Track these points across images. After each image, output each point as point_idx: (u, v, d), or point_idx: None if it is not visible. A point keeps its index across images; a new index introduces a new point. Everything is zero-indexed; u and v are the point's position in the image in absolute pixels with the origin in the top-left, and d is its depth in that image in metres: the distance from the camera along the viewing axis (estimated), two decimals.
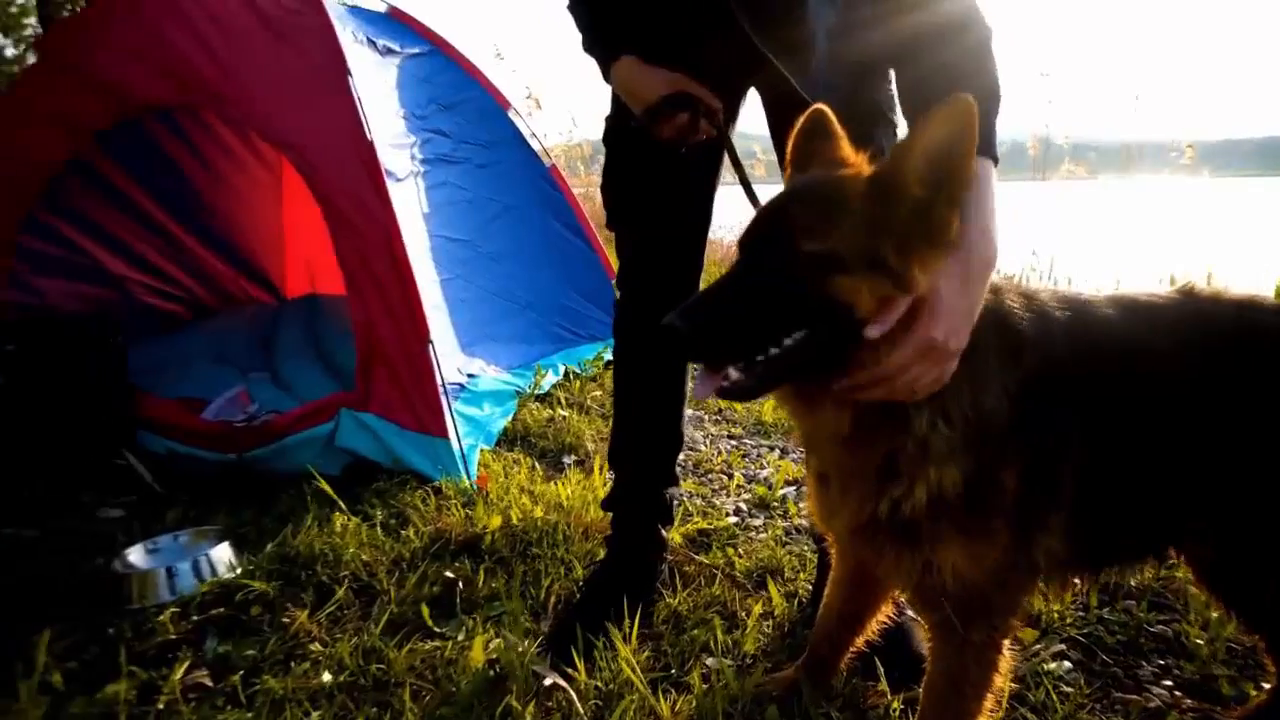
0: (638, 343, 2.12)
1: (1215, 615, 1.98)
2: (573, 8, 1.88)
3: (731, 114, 1.97)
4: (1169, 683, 1.86)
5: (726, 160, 1.98)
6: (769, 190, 1.40)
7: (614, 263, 4.70)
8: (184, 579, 2.16)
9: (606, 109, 2.03)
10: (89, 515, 2.65)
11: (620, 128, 1.98)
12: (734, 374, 1.16)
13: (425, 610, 1.99)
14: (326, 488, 2.54)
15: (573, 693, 1.68)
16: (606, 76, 1.86)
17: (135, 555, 2.30)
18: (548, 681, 1.70)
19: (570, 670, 1.76)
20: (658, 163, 1.90)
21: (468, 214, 4.11)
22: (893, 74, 1.80)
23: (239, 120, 3.43)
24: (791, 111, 1.44)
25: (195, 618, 2.02)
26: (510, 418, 3.59)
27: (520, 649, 1.76)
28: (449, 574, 2.15)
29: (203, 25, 3.29)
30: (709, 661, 1.87)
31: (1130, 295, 1.49)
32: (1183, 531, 1.54)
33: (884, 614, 1.74)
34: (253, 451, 2.95)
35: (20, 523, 2.62)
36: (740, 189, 1.76)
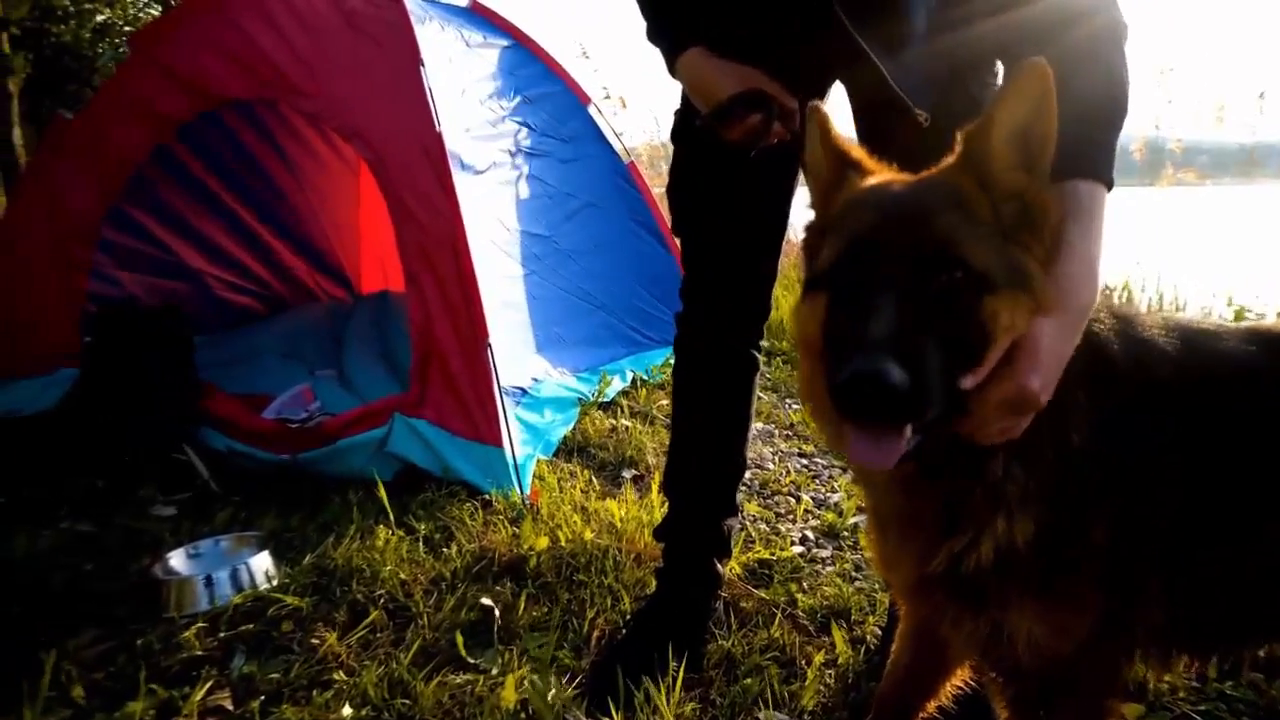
0: (700, 360, 1.94)
1: None
2: None
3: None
4: None
5: None
6: None
7: None
8: (222, 588, 2.10)
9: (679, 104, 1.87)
10: (143, 512, 2.63)
11: (688, 126, 1.81)
12: (908, 431, 0.94)
13: (460, 639, 1.86)
14: (382, 495, 2.45)
15: None
16: (672, 70, 1.69)
17: (177, 560, 2.25)
18: None
19: (604, 719, 1.60)
20: (728, 165, 1.72)
21: (549, 208, 4.04)
22: (1000, 70, 1.58)
23: (313, 112, 3.42)
24: (884, 115, 1.28)
25: (224, 634, 1.95)
26: (571, 426, 3.46)
27: (553, 692, 1.61)
28: (488, 600, 2.02)
29: (285, 21, 3.28)
30: (761, 716, 1.68)
31: (1266, 326, 1.24)
32: None
33: (959, 677, 1.52)
34: (306, 454, 2.90)
35: (80, 516, 2.62)
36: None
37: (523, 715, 1.62)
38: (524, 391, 3.38)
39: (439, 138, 3.06)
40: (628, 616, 2.02)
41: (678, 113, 1.87)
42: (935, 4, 1.49)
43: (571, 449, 3.31)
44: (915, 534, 1.16)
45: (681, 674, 1.71)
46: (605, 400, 3.74)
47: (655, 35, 1.68)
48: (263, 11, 3.32)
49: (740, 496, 2.78)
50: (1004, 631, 1.12)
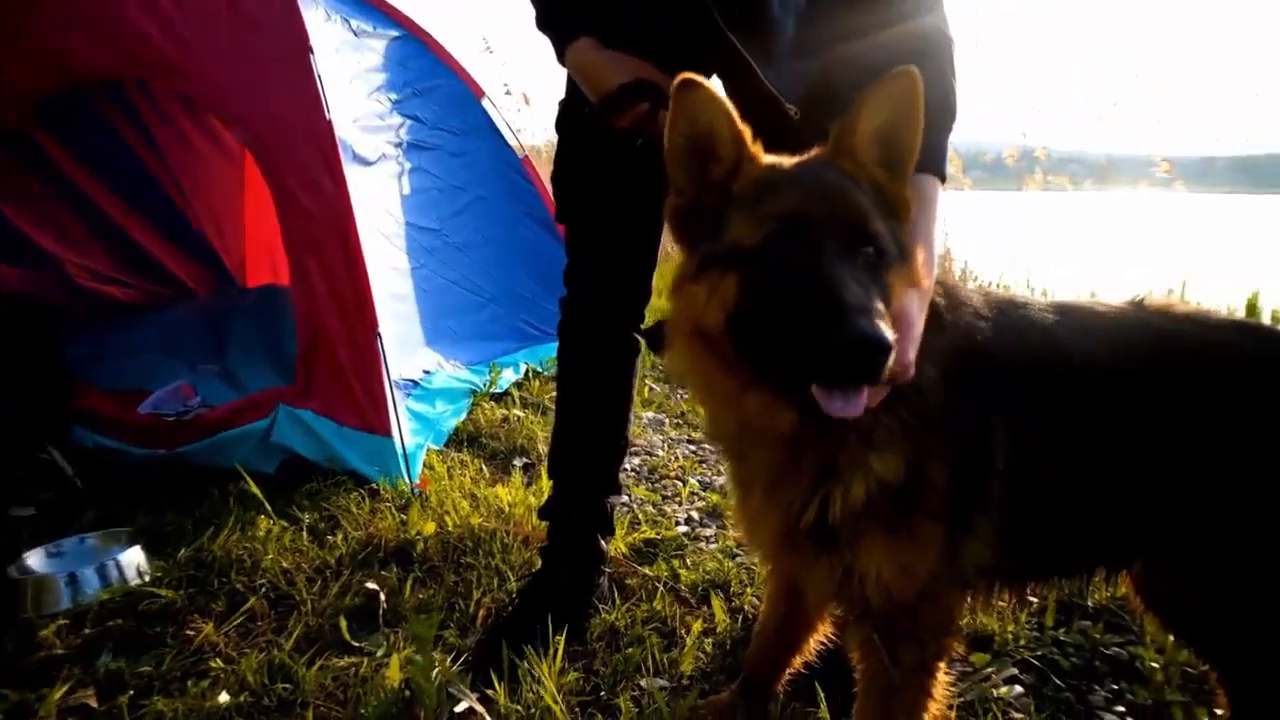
0: (584, 343, 2.00)
1: (1171, 639, 1.89)
2: None
3: None
4: (1122, 708, 1.77)
5: None
6: None
7: None
8: (87, 585, 2.02)
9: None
10: None
11: (574, 114, 1.86)
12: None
13: (344, 623, 1.86)
14: (254, 488, 2.39)
15: (488, 717, 1.56)
16: (561, 58, 1.73)
17: (35, 559, 2.15)
18: (462, 706, 1.57)
19: (491, 692, 1.64)
20: (611, 153, 1.78)
21: (439, 202, 4.02)
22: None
23: (194, 96, 3.29)
24: (756, 109, 1.36)
25: (89, 631, 1.88)
26: (463, 416, 3.46)
27: (435, 668, 1.63)
28: (373, 584, 2.02)
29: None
30: (642, 683, 1.75)
31: (1074, 303, 1.41)
32: (1121, 551, 1.45)
33: (821, 633, 1.64)
34: (184, 448, 2.81)
35: None
36: None
37: (406, 693, 1.64)
38: (415, 383, 3.36)
39: (329, 126, 3.00)
40: (513, 595, 2.06)
41: (562, 102, 1.92)
42: (800, 17, 1.61)
43: (463, 439, 3.31)
44: (784, 489, 1.25)
45: (563, 646, 1.76)
46: (498, 391, 3.76)
47: (545, 24, 1.72)
48: None
49: (628, 480, 2.87)
50: (855, 574, 1.23)
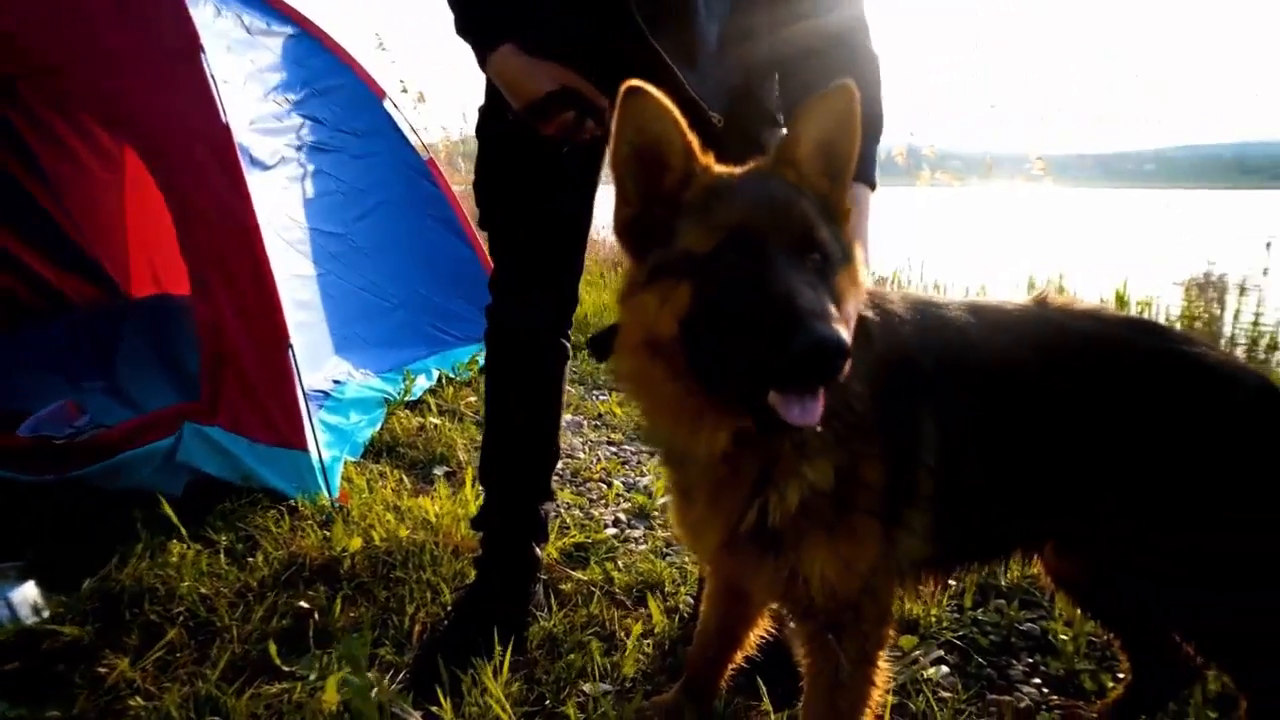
0: (513, 351, 1.98)
1: (1079, 612, 2.03)
2: None
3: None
4: (1038, 680, 1.90)
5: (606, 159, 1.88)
6: None
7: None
8: None
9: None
10: None
11: (496, 121, 1.84)
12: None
13: (273, 647, 1.79)
14: (168, 510, 2.26)
15: None
16: (483, 64, 1.71)
17: None
18: None
19: (434, 709, 1.61)
20: (535, 160, 1.77)
21: (341, 205, 3.90)
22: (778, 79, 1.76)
23: (76, 98, 3.07)
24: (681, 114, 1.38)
25: None
26: (378, 426, 3.37)
27: (376, 687, 1.59)
28: (302, 604, 1.95)
29: None
30: (586, 688, 1.76)
31: (984, 302, 1.51)
32: (1035, 535, 1.55)
33: (761, 628, 1.68)
34: (78, 471, 2.62)
35: None
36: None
37: (346, 716, 1.59)
38: (326, 395, 3.26)
39: (226, 130, 2.87)
40: (449, 608, 2.03)
41: (482, 109, 1.90)
42: (724, 23, 1.65)
43: (380, 449, 3.23)
44: (726, 497, 1.28)
45: (508, 655, 1.74)
46: (412, 399, 3.67)
47: (466, 29, 1.69)
48: None
49: (554, 485, 2.86)
50: (799, 575, 1.27)
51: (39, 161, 4.27)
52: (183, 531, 2.22)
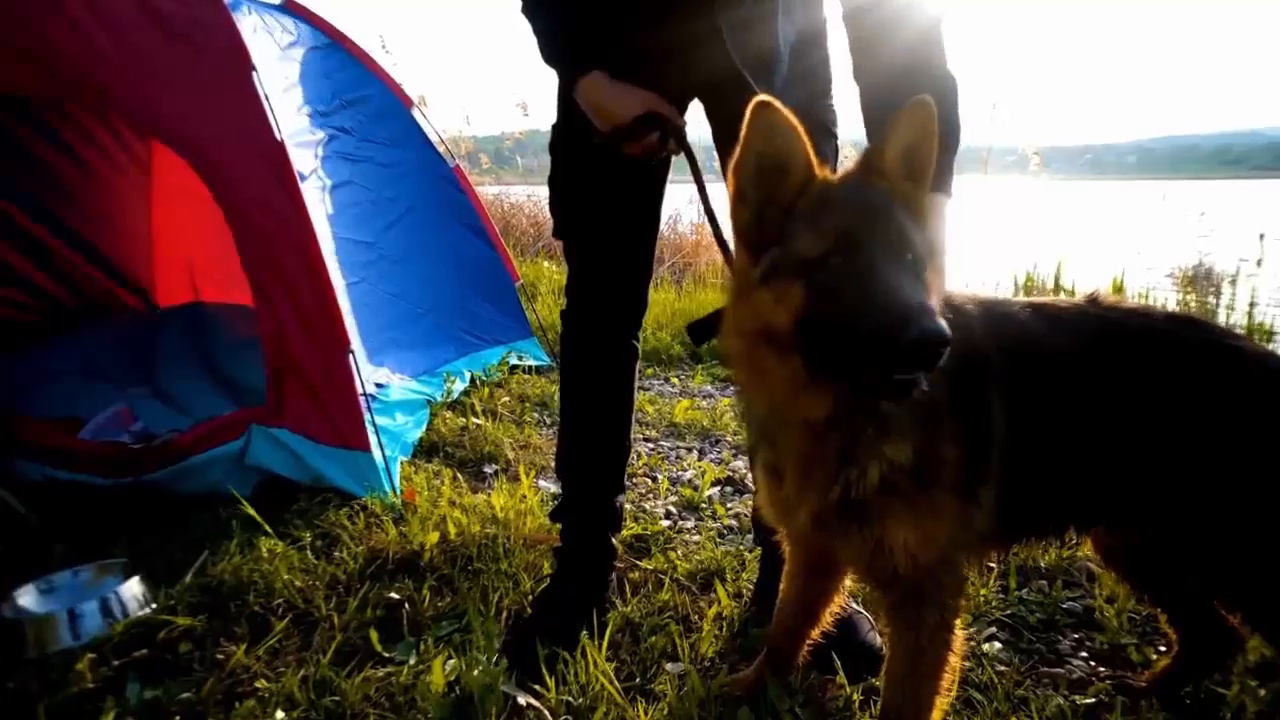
0: (589, 352, 2.11)
1: (1120, 590, 2.17)
2: (532, 12, 1.81)
3: None
4: (1085, 654, 2.03)
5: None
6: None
7: (517, 265, 4.66)
8: (89, 620, 1.97)
9: (554, 116, 2.02)
10: None
11: (572, 137, 1.96)
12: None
13: (374, 634, 1.91)
14: (250, 510, 2.38)
15: (546, 711, 1.66)
16: (570, 89, 1.82)
17: (27, 598, 2.08)
18: (521, 700, 1.66)
19: (537, 687, 1.73)
20: (612, 173, 1.90)
21: (371, 215, 3.98)
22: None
23: (135, 120, 3.16)
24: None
25: (113, 663, 1.85)
26: (424, 428, 3.48)
27: (479, 669, 1.71)
28: (393, 595, 2.07)
29: (80, 15, 3.00)
30: (669, 667, 1.88)
31: (1043, 300, 1.64)
32: (1091, 514, 1.69)
33: (838, 604, 1.81)
34: (153, 474, 2.73)
35: None
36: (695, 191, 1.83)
37: (454, 694, 1.71)
38: (373, 398, 3.36)
39: (281, 146, 2.97)
40: (530, 596, 2.15)
41: (556, 127, 2.02)
42: (793, 32, 1.78)
43: (429, 450, 3.34)
44: (817, 473, 1.41)
45: (607, 635, 1.86)
46: (452, 400, 3.78)
47: (553, 59, 1.82)
48: (53, 5, 3.03)
49: None
50: (884, 545, 1.40)
51: (89, 170, 4.37)
52: (267, 529, 2.34)
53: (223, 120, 3.04)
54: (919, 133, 1.32)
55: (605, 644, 1.85)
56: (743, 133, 1.26)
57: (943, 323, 1.09)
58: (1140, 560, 1.80)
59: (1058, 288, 7.17)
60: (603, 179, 1.94)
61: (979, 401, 1.45)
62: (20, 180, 4.10)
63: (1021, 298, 1.68)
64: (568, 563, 2.12)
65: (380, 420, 3.26)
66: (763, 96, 1.24)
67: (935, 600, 1.46)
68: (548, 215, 9.28)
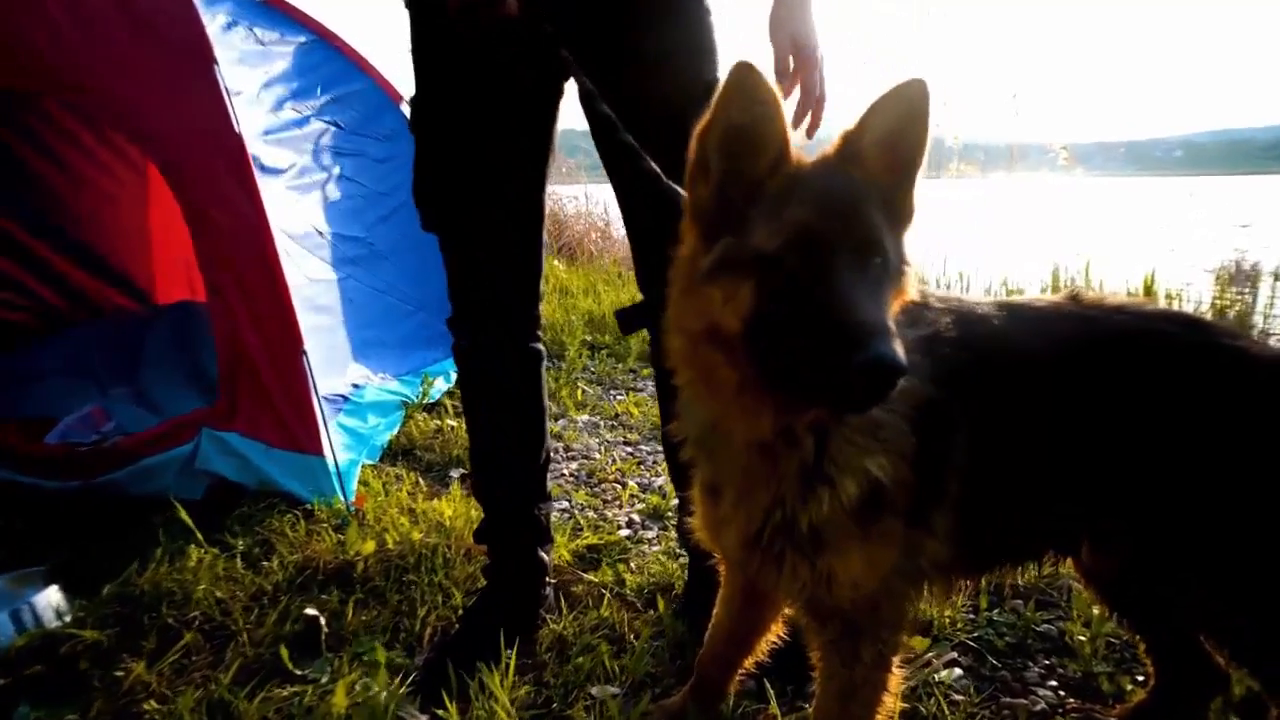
0: (484, 362, 1.93)
1: (1096, 612, 2.00)
2: None
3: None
4: (1054, 683, 1.87)
5: None
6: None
7: None
8: (1, 632, 1.90)
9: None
10: None
11: (431, 107, 1.76)
12: None
13: (284, 651, 1.81)
14: (184, 515, 2.30)
15: None
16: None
17: None
18: None
19: (441, 713, 1.62)
20: (482, 153, 1.73)
21: (363, 209, 3.93)
22: None
23: (94, 111, 3.14)
24: None
25: (2, 681, 1.77)
26: (396, 430, 3.40)
27: (385, 691, 1.61)
28: (311, 610, 1.96)
29: (49, 6, 2.97)
30: (594, 691, 1.76)
31: (1015, 300, 1.48)
32: (1069, 536, 1.53)
33: (775, 633, 1.67)
34: (103, 477, 2.68)
35: None
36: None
37: (355, 716, 1.61)
38: (345, 398, 3.29)
39: (239, 140, 2.91)
40: (460, 612, 2.04)
41: (414, 100, 1.81)
42: None
43: (398, 452, 3.26)
44: (756, 494, 1.27)
45: (514, 662, 1.75)
46: (430, 402, 3.70)
47: None
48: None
49: (568, 486, 2.87)
50: (832, 576, 1.26)
51: (72, 172, 4.37)
52: (199, 536, 2.26)
53: (183, 113, 2.98)
54: (906, 117, 1.15)
55: (512, 669, 1.73)
56: (716, 95, 1.10)
57: (899, 349, 0.95)
58: (1122, 583, 1.63)
59: (1087, 286, 6.90)
60: (470, 159, 1.75)
61: (939, 414, 1.29)
62: (11, 187, 4.11)
63: (991, 298, 1.52)
64: (494, 582, 2.00)
65: (350, 422, 3.20)
66: (745, 60, 1.08)
67: (873, 635, 1.32)
68: (560, 212, 9.18)
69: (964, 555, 1.41)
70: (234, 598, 2.04)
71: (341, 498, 2.59)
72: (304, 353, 2.77)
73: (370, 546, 2.25)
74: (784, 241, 1.07)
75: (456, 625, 1.97)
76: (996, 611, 2.11)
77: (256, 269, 2.82)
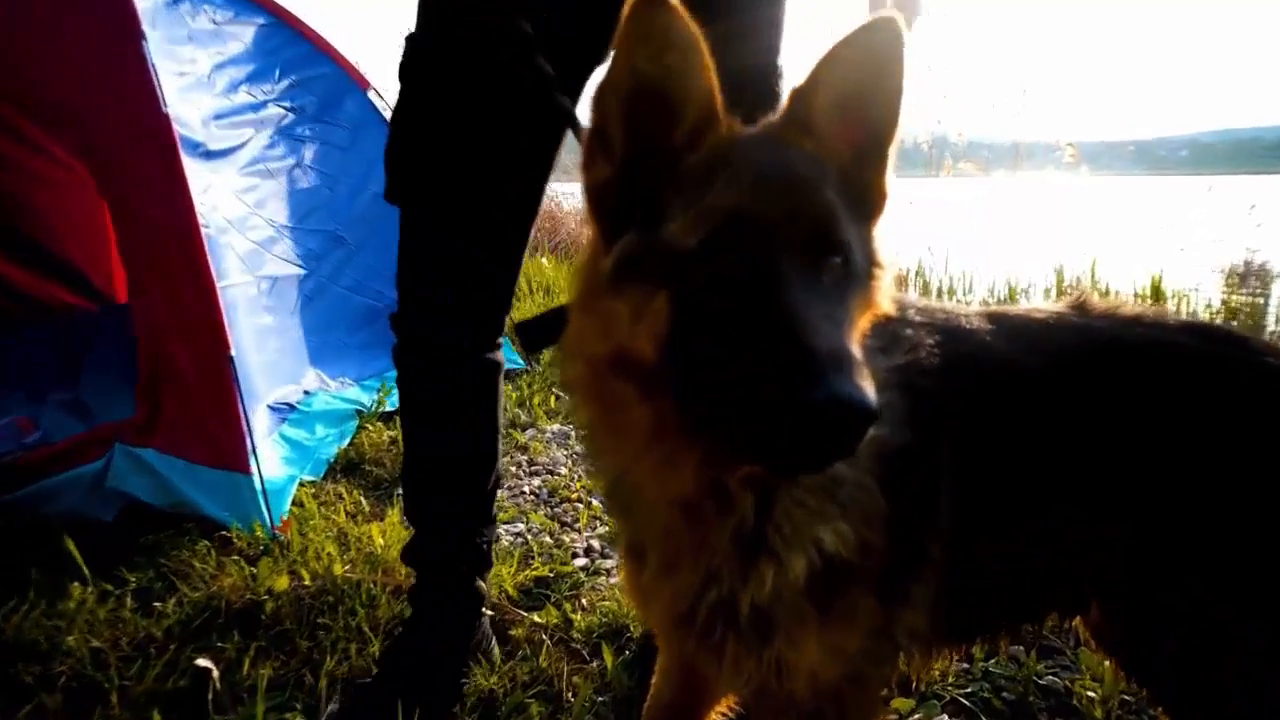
0: (434, 371, 1.65)
1: (1107, 667, 1.73)
2: None
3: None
4: None
5: None
6: None
7: None
8: None
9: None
10: None
11: (431, 50, 1.48)
12: None
13: (157, 717, 1.54)
14: (70, 546, 2.03)
15: None
16: None
17: None
18: None
19: None
20: (478, 111, 1.43)
21: (329, 201, 3.70)
22: None
23: (9, 92, 2.88)
24: None
25: None
26: (346, 442, 3.14)
27: None
28: (203, 661, 1.70)
29: None
30: None
31: (1010, 311, 1.21)
32: (1076, 595, 1.27)
33: (725, 705, 1.41)
34: (7, 496, 2.41)
35: None
36: None
37: None
38: (291, 407, 3.05)
39: (166, 121, 2.65)
40: (376, 659, 1.77)
41: (410, 37, 1.51)
42: None
43: (346, 467, 2.99)
44: (684, 563, 1.01)
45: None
46: (388, 410, 3.43)
47: None
48: None
49: (526, 505, 2.60)
50: (785, 665, 1.00)
51: (14, 165, 4.11)
52: (84, 571, 1.98)
53: (108, 97, 2.72)
54: (872, 70, 0.88)
55: None
56: (616, 41, 0.82)
57: (867, 385, 0.68)
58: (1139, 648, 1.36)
59: (1093, 287, 6.64)
60: (475, 118, 1.45)
61: (915, 468, 1.02)
62: None
63: (984, 309, 1.25)
64: (420, 617, 1.72)
65: (295, 433, 2.95)
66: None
67: None
68: (557, 210, 8.86)
69: (950, 624, 1.15)
70: (116, 646, 1.77)
71: (267, 522, 2.32)
72: (231, 359, 2.50)
73: (284, 582, 1.98)
74: (709, 235, 0.80)
75: (370, 676, 1.69)
76: (994, 662, 1.84)
77: (182, 264, 2.56)
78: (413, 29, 1.54)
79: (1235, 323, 5.06)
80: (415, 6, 1.54)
